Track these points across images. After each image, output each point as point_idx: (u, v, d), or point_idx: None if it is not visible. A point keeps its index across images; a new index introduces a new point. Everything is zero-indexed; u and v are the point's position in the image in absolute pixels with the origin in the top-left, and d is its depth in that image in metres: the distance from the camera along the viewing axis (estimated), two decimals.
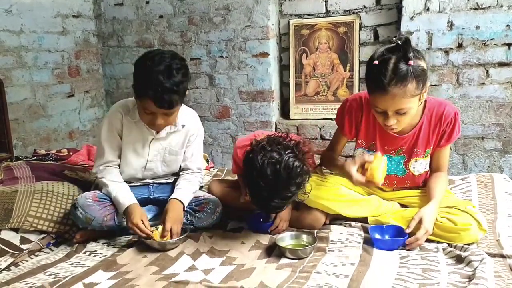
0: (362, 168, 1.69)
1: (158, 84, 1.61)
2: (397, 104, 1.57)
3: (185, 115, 1.93)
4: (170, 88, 1.63)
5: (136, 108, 1.84)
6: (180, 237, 1.76)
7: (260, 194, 1.59)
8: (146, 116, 1.75)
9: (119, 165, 1.95)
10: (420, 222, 1.62)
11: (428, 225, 1.61)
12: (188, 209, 1.91)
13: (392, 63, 1.54)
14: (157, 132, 1.88)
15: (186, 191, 1.91)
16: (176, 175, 2.06)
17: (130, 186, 1.98)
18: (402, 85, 1.53)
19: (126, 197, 1.83)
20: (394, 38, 1.59)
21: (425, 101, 1.74)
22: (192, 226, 1.90)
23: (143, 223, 1.73)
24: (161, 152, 1.95)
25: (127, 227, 1.78)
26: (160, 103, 1.64)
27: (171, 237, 1.75)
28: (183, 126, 1.91)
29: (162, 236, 1.75)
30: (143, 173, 1.99)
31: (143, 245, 1.75)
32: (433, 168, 1.85)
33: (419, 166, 1.83)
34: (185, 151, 1.99)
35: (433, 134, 1.77)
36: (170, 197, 1.86)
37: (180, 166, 2.03)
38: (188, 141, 1.97)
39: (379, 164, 1.65)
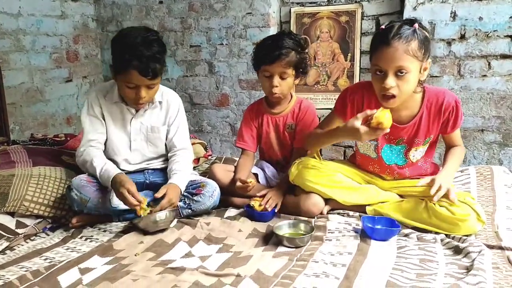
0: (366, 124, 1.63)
1: (141, 55, 1.71)
2: (399, 59, 1.58)
3: (163, 93, 2.01)
4: (152, 56, 1.73)
5: (114, 89, 1.92)
6: (166, 218, 1.73)
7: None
8: (129, 91, 1.80)
9: (103, 147, 1.96)
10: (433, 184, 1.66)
11: (440, 182, 1.63)
12: (185, 193, 1.90)
13: (398, 25, 1.61)
14: (136, 111, 1.94)
15: (182, 173, 1.90)
16: (167, 159, 2.05)
17: (125, 173, 1.98)
18: (405, 41, 1.58)
19: (111, 169, 1.83)
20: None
21: (424, 90, 1.75)
22: (190, 210, 1.90)
23: (129, 192, 1.71)
24: (143, 130, 1.98)
25: (116, 195, 1.77)
26: (145, 71, 1.73)
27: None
28: (160, 102, 1.98)
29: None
30: (131, 155, 2.00)
31: (139, 231, 1.74)
32: (448, 146, 1.88)
33: (418, 154, 1.84)
34: (170, 129, 2.02)
35: (433, 123, 1.77)
36: (168, 182, 1.84)
37: (167, 147, 2.05)
38: (170, 118, 2.01)
39: (384, 112, 1.59)
